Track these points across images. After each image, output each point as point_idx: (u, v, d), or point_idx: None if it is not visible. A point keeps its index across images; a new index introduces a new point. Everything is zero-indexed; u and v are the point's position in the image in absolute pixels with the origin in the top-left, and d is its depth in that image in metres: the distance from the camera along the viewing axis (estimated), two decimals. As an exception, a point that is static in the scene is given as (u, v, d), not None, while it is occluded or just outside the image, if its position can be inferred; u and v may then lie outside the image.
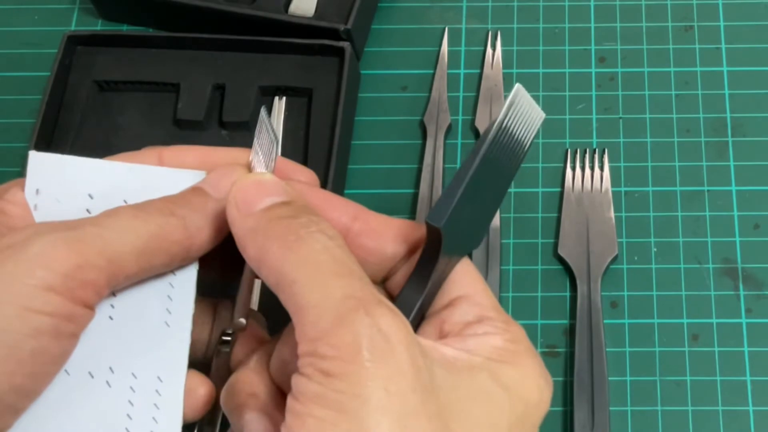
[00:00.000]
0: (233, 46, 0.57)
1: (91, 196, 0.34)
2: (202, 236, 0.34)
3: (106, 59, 0.58)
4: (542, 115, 0.36)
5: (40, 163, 0.34)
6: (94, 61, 0.58)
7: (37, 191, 0.34)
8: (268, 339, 0.38)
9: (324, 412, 0.28)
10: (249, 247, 0.32)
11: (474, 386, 0.31)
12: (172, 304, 0.35)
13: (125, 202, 0.34)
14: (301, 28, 0.57)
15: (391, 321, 0.29)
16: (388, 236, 0.35)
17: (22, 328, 0.30)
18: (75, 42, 0.58)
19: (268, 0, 0.58)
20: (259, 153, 0.36)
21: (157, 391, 0.33)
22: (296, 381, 0.29)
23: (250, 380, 0.34)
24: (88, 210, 0.34)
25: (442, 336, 0.34)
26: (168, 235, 0.33)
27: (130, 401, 0.33)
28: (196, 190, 0.35)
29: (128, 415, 0.33)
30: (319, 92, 0.56)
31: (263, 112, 0.36)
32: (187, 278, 0.35)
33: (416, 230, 0.36)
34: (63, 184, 0.34)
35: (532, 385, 0.32)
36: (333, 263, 0.30)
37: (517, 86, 0.35)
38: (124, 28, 0.62)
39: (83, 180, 0.35)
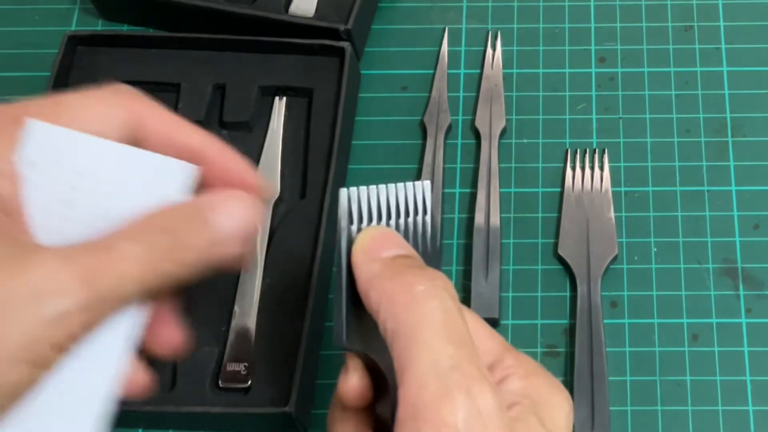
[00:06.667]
0: (233, 46, 0.57)
1: (80, 174, 0.33)
2: (186, 278, 0.32)
3: (106, 59, 0.58)
4: None
5: (38, 133, 0.32)
6: (95, 62, 0.58)
7: (33, 164, 0.32)
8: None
9: None
10: (372, 292, 0.32)
11: None
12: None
13: (111, 185, 0.33)
14: (301, 28, 0.57)
15: (491, 402, 0.30)
16: None
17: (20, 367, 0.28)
18: (75, 42, 0.58)
19: (268, 0, 0.58)
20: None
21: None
22: None
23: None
24: (74, 188, 0.32)
25: None
26: (168, 284, 0.31)
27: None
28: (201, 222, 0.32)
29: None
30: (319, 92, 0.56)
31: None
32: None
33: None
34: (56, 157, 0.33)
35: None
36: (447, 327, 0.31)
37: None
38: (125, 28, 0.62)
39: (74, 155, 0.33)
